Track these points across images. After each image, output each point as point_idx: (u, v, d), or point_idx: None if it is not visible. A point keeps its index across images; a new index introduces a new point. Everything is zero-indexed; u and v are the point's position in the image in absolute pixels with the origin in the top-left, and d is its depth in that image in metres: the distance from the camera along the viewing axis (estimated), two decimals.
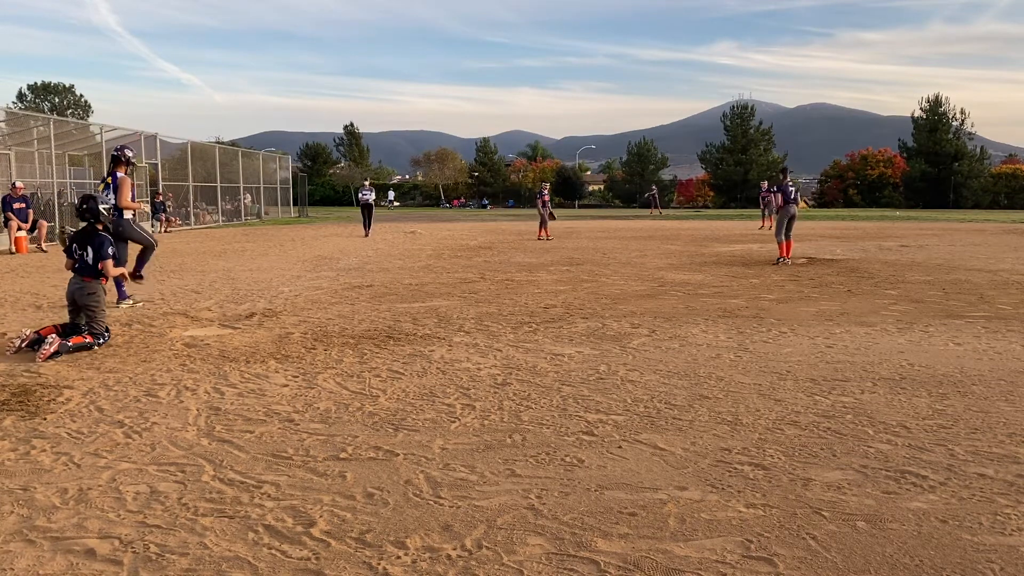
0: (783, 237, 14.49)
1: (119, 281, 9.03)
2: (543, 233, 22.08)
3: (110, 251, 6.92)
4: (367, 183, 24.87)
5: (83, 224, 7.15)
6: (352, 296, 9.96)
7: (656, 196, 48.56)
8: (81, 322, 6.69)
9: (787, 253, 14.51)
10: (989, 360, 6.15)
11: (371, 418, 4.62)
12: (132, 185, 9.21)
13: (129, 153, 9.40)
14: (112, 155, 9.50)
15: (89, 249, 6.86)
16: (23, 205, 17.55)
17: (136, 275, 9.01)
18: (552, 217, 22.85)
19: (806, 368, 5.88)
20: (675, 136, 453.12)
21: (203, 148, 33.75)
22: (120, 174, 9.17)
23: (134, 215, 9.34)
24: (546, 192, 23.02)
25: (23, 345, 6.40)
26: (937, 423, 4.49)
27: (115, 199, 9.08)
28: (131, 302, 8.95)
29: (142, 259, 9.14)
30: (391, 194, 75.43)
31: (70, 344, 6.45)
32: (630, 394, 5.14)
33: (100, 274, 6.82)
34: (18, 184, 17.99)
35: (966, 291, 10.37)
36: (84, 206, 7.18)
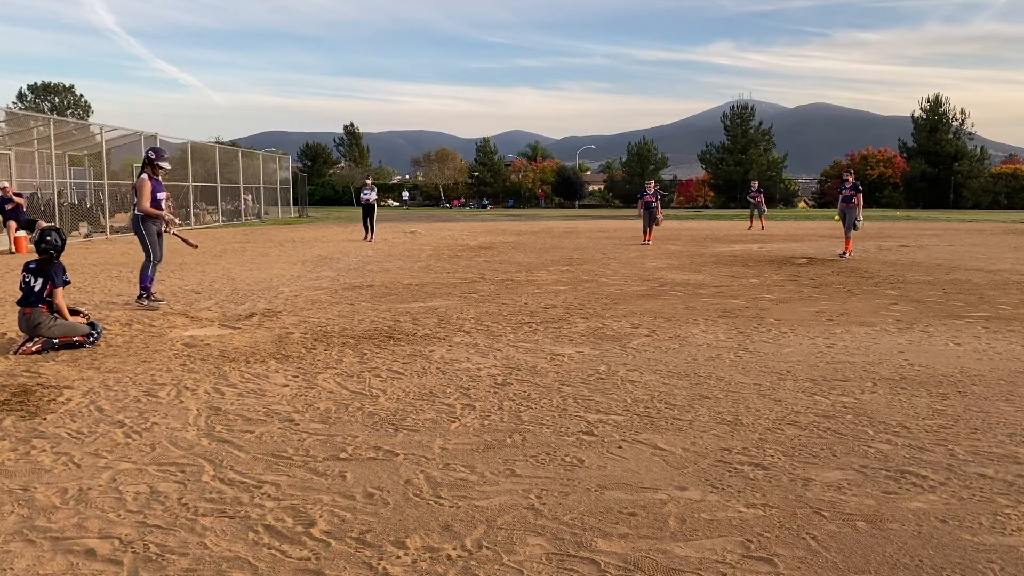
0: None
1: (144, 277, 9.02)
2: (647, 237, 20.01)
3: (65, 278, 6.78)
4: (369, 182, 23.69)
5: (40, 256, 6.87)
6: (352, 296, 9.96)
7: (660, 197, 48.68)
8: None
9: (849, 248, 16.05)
10: (989, 360, 6.15)
11: (371, 418, 4.62)
12: (153, 188, 9.10)
13: (152, 155, 9.33)
14: None
15: (40, 280, 6.65)
16: (13, 206, 17.63)
17: (141, 293, 9.01)
18: (657, 221, 20.23)
19: (806, 368, 5.88)
20: (675, 136, 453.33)
21: (203, 148, 33.75)
22: (144, 176, 9.22)
23: (162, 220, 9.23)
24: (650, 191, 20.40)
25: (25, 346, 6.42)
26: (937, 423, 4.48)
27: (136, 200, 9.20)
28: (147, 302, 8.91)
29: (143, 273, 9.11)
30: (405, 194, 76.11)
31: (56, 342, 6.44)
32: (630, 394, 5.14)
33: (40, 301, 6.58)
34: (5, 184, 18.07)
35: (966, 291, 10.38)
36: (48, 238, 6.90)
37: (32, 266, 6.77)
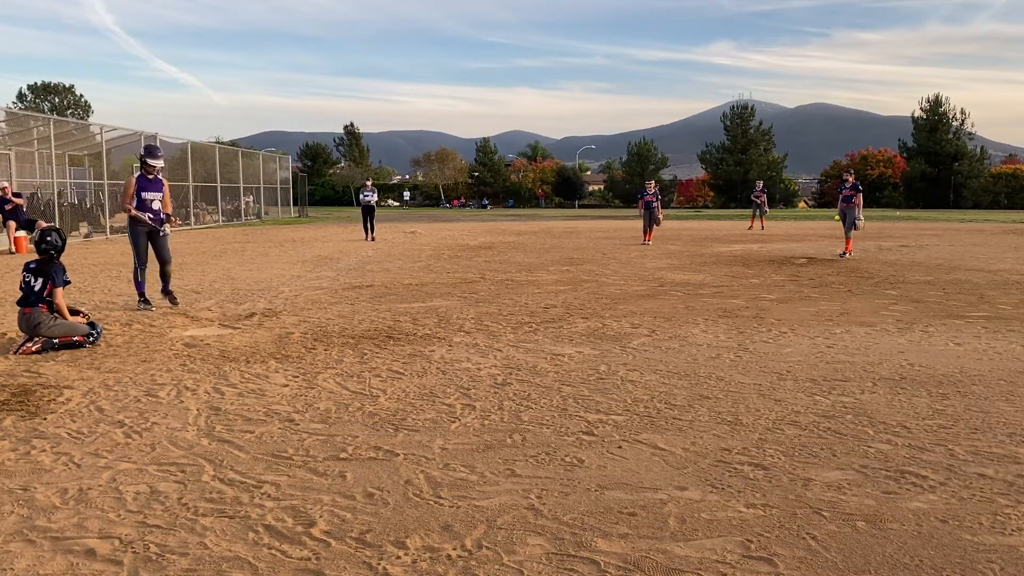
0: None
1: (135, 282, 8.82)
2: (647, 237, 20.09)
3: (65, 278, 6.80)
4: (369, 183, 23.80)
5: (40, 256, 6.91)
6: (352, 296, 9.96)
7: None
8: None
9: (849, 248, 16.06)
10: (989, 360, 6.14)
11: (371, 418, 4.62)
12: (139, 187, 8.84)
13: (141, 153, 9.07)
14: None
15: (40, 280, 6.67)
16: (13, 206, 17.64)
17: (140, 297, 8.88)
18: (658, 222, 20.27)
19: (806, 368, 5.88)
20: (675, 136, 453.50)
21: (203, 148, 33.76)
22: (134, 175, 9.05)
23: (157, 222, 8.87)
24: (650, 191, 20.39)
25: (25, 346, 6.42)
26: (937, 423, 4.49)
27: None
28: (143, 307, 8.80)
29: (134, 279, 8.96)
30: (405, 194, 76.33)
31: (56, 342, 6.45)
32: (630, 394, 5.14)
33: (40, 301, 6.60)
34: (4, 184, 18.06)
35: (966, 291, 10.38)
36: (48, 238, 6.93)
37: (32, 266, 6.79)
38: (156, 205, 8.95)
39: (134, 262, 8.99)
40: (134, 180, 8.95)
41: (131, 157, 28.48)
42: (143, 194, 8.89)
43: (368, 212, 22.14)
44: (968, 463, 3.83)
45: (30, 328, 6.50)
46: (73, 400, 5.00)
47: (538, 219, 39.76)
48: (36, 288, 6.65)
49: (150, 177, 8.97)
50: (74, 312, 6.93)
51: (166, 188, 9.20)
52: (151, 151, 9.09)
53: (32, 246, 17.96)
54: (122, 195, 9.06)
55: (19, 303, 6.67)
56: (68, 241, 7.33)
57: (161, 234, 9.00)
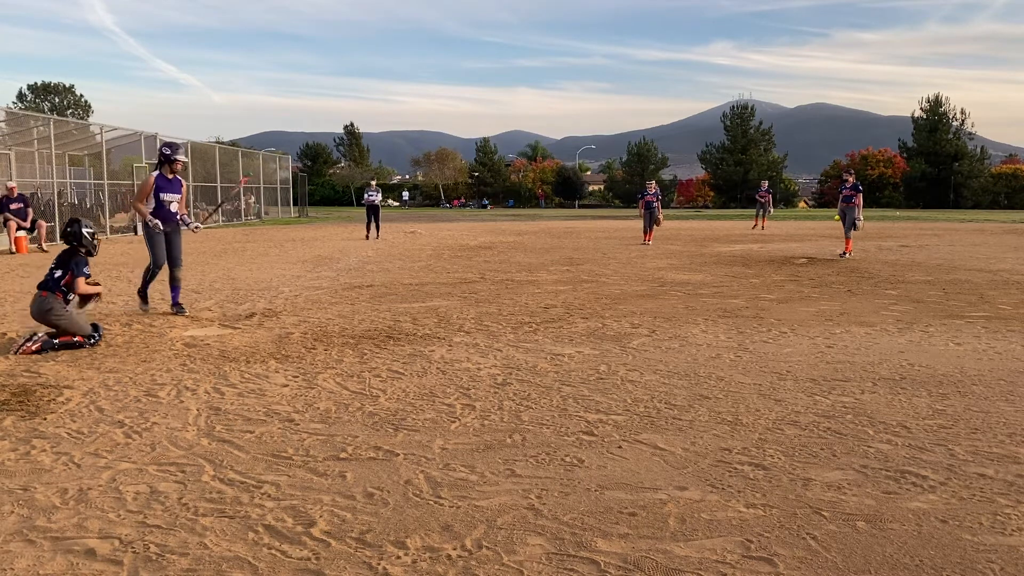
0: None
1: (175, 287, 8.64)
2: (647, 237, 20.10)
3: (85, 271, 6.95)
4: (373, 183, 24.33)
5: (66, 246, 7.18)
6: (352, 296, 9.96)
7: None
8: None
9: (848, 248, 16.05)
10: (989, 360, 6.14)
11: (371, 418, 4.62)
12: (157, 187, 8.50)
13: (167, 151, 8.61)
14: None
15: (60, 270, 6.87)
16: (21, 205, 17.58)
17: (141, 293, 8.66)
18: (658, 222, 20.26)
19: (806, 368, 5.88)
20: (675, 136, 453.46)
21: (203, 148, 33.76)
22: (153, 173, 8.71)
23: (173, 224, 8.57)
24: (651, 191, 20.32)
25: (25, 345, 6.42)
26: (937, 423, 4.49)
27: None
28: (141, 305, 8.66)
29: (143, 278, 8.69)
30: (405, 194, 76.40)
31: (56, 342, 6.48)
32: (630, 394, 5.14)
33: (56, 288, 6.76)
34: (10, 184, 18.01)
35: (966, 291, 10.38)
36: (68, 229, 7.19)
37: (60, 256, 7.07)
38: (174, 207, 8.61)
39: (149, 263, 8.64)
40: (152, 179, 8.55)
41: (131, 157, 28.43)
42: (161, 195, 8.51)
43: (372, 211, 22.42)
44: (968, 463, 3.83)
45: (41, 312, 6.64)
46: (73, 400, 5.00)
47: (538, 219, 39.77)
48: (56, 276, 6.86)
49: (170, 177, 8.62)
50: (94, 283, 7.18)
51: (184, 189, 8.82)
52: (175, 147, 8.70)
53: (31, 246, 17.93)
54: (137, 193, 8.59)
55: (38, 286, 6.88)
56: None
57: (193, 229, 9.10)
